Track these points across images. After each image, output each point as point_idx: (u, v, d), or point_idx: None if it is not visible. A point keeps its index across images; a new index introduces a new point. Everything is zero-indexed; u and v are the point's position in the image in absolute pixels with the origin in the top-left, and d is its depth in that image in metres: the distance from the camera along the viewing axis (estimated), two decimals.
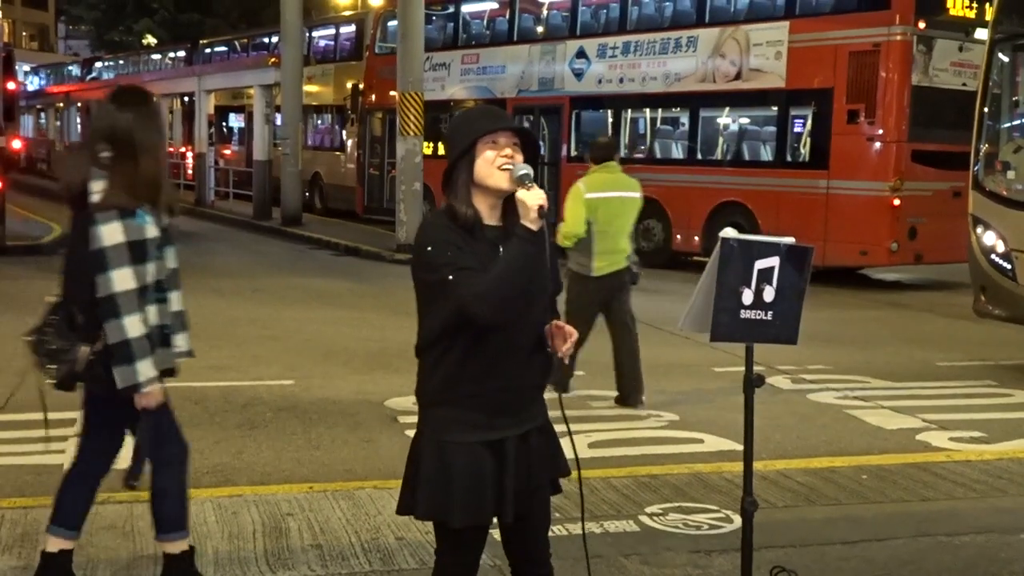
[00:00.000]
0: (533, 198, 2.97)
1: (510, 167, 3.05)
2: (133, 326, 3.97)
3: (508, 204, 3.12)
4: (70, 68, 52.70)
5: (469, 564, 3.24)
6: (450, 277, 2.97)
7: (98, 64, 49.57)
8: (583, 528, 3.65)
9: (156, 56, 45.24)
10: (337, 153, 26.77)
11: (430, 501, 3.11)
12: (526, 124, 19.57)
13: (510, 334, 3.06)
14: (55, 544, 4.30)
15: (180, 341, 4.34)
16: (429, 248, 3.04)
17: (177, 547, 4.30)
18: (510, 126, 3.13)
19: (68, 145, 41.85)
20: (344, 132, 26.45)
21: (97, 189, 3.99)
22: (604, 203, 7.75)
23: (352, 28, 27.38)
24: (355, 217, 24.22)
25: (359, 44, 26.10)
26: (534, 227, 2.96)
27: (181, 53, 40.94)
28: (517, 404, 3.14)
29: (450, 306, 3.00)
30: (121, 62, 47.37)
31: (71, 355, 4.21)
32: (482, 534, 3.20)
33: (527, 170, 3.04)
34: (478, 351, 3.06)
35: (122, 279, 3.94)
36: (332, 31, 28.78)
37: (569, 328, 3.12)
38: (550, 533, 3.35)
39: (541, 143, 19.49)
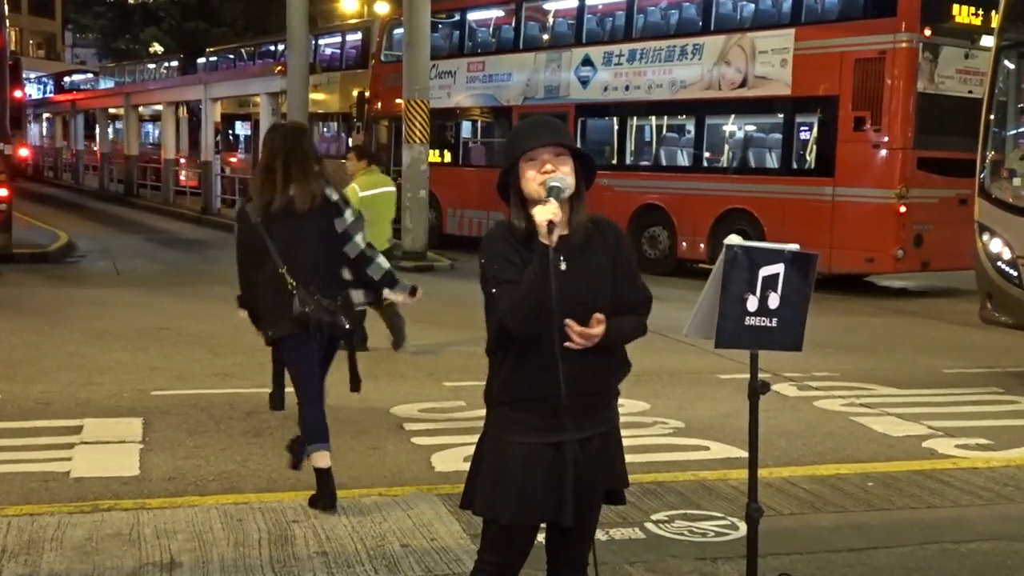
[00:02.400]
0: (541, 214, 3.04)
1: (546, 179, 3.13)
2: (384, 261, 5.63)
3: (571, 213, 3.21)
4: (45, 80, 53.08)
5: (510, 565, 3.29)
6: (493, 291, 3.13)
7: (76, 77, 50.26)
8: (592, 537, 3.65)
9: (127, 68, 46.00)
10: (343, 161, 26.73)
11: (486, 498, 3.21)
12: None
13: (551, 344, 3.09)
14: (323, 460, 5.47)
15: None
16: (483, 260, 3.20)
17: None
18: (548, 141, 3.17)
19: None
20: (350, 140, 26.48)
21: (330, 192, 5.46)
22: (372, 199, 9.35)
23: (358, 36, 27.44)
24: None
25: (365, 52, 26.16)
26: (545, 241, 3.03)
27: (175, 63, 41.45)
28: (578, 408, 3.16)
29: (497, 318, 3.14)
30: (90, 75, 48.44)
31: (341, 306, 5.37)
32: (529, 537, 3.26)
33: (557, 182, 3.11)
34: (531, 357, 3.14)
35: (363, 238, 5.53)
36: (338, 39, 28.85)
37: (597, 321, 3.10)
38: None
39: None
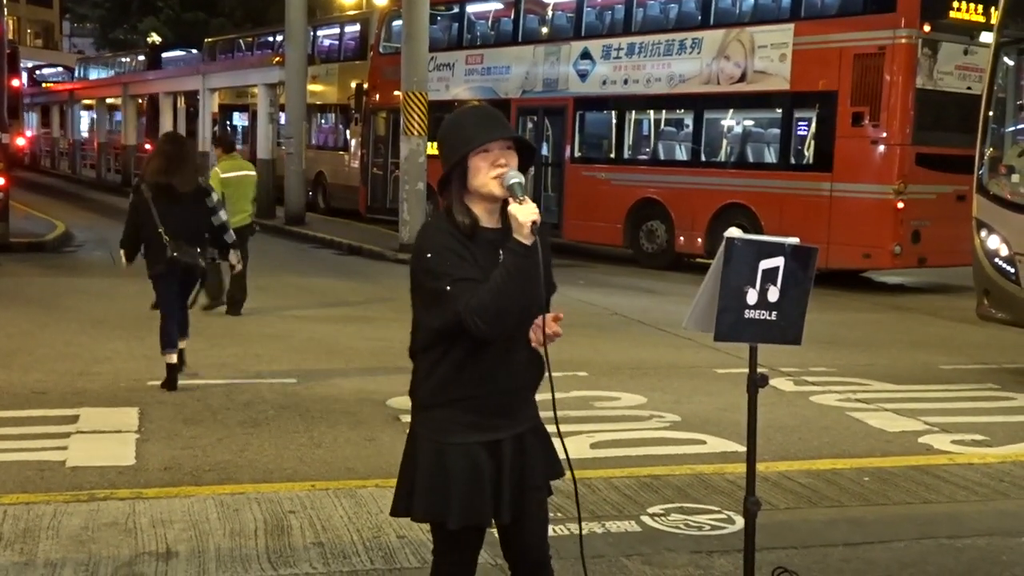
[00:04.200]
0: (525, 213, 2.95)
1: (503, 175, 3.05)
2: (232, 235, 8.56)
3: (507, 206, 3.11)
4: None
5: (466, 563, 3.24)
6: (448, 288, 2.99)
7: (46, 71, 51.63)
8: (579, 527, 3.64)
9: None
10: (341, 153, 26.78)
11: (428, 503, 3.12)
12: (530, 125, 19.59)
13: (507, 340, 3.06)
14: (171, 358, 7.89)
15: None
16: (429, 255, 3.05)
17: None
18: (502, 136, 3.10)
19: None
20: (348, 132, 26.49)
21: (202, 181, 8.21)
22: (233, 180, 10.98)
23: (356, 28, 27.40)
24: (358, 217, 24.24)
25: (363, 44, 26.14)
26: (527, 242, 2.94)
27: (141, 57, 42.74)
28: (513, 406, 3.15)
29: (448, 315, 3.00)
30: (60, 69, 49.65)
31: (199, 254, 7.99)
32: (479, 534, 3.21)
33: (518, 179, 3.03)
34: (475, 356, 3.06)
35: (224, 214, 8.41)
36: (336, 31, 28.80)
37: (551, 321, 3.03)
38: (551, 533, 3.34)
39: (544, 144, 19.53)
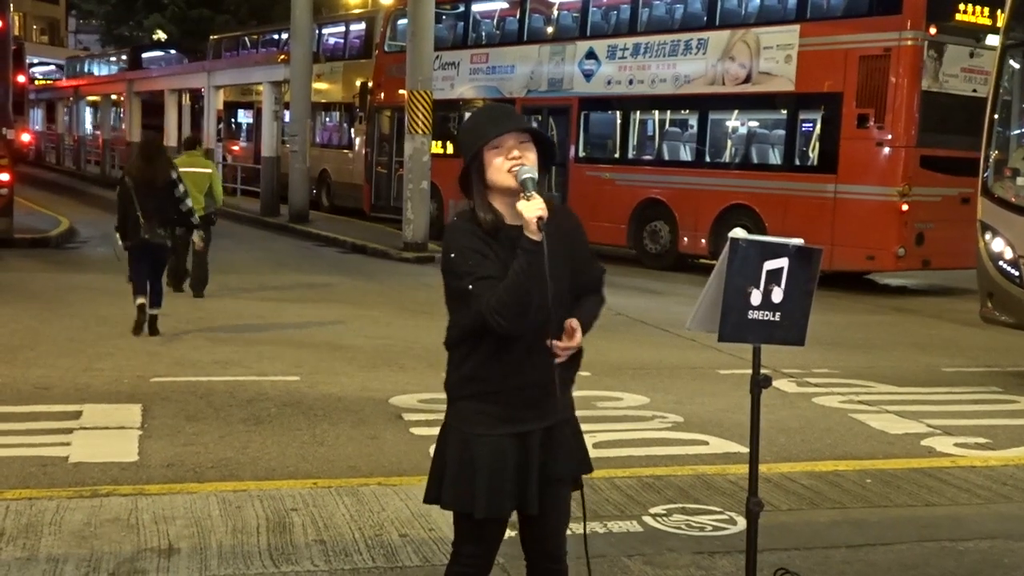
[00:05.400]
0: (530, 210, 2.98)
1: (517, 169, 3.07)
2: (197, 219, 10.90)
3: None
4: None
5: (486, 556, 3.27)
6: (470, 287, 3.04)
7: (38, 69, 52.81)
8: (584, 527, 3.64)
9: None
10: (345, 151, 26.81)
11: (455, 492, 3.17)
12: (534, 124, 19.56)
13: (534, 334, 3.08)
14: (141, 301, 10.02)
15: None
16: (452, 255, 3.10)
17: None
18: (513, 127, 3.12)
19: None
20: (352, 130, 26.51)
21: (173, 173, 10.30)
22: (186, 175, 11.49)
23: (362, 26, 27.42)
24: (362, 215, 24.25)
25: (368, 43, 26.15)
26: (535, 238, 2.97)
27: (124, 57, 43.70)
28: (542, 399, 3.16)
29: (472, 313, 3.07)
30: (52, 67, 50.78)
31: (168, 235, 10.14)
32: (501, 527, 3.24)
33: (530, 173, 3.05)
34: (502, 351, 3.11)
35: (191, 201, 10.62)
36: (342, 29, 28.82)
37: (572, 330, 3.09)
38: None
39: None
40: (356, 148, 26.02)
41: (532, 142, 3.15)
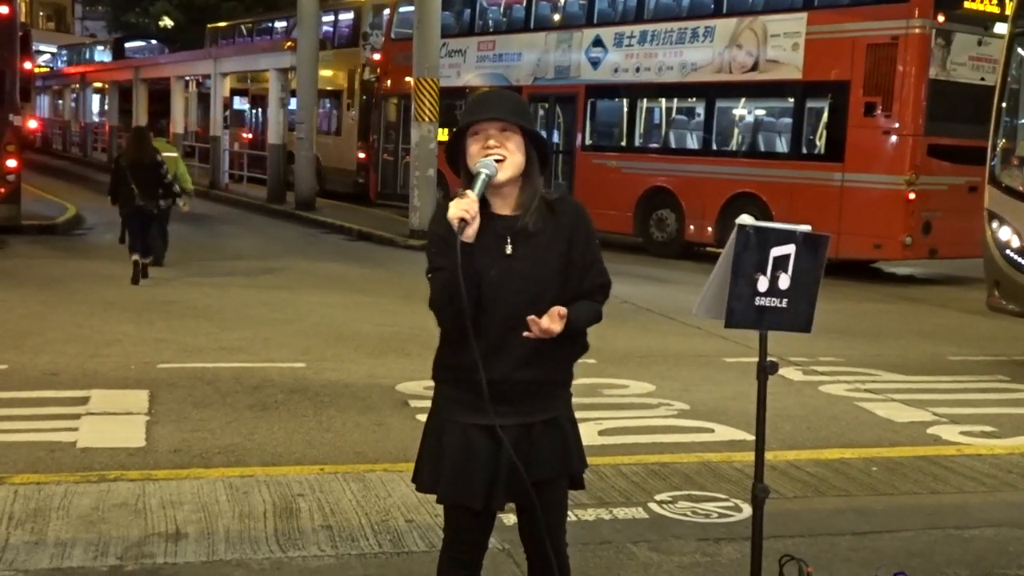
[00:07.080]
0: (453, 210, 2.92)
1: (495, 157, 3.00)
2: (179, 191, 13.91)
3: (521, 191, 3.09)
4: None
5: (468, 543, 3.22)
6: (428, 276, 3.03)
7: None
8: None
9: None
10: (335, 137, 27.22)
11: (428, 474, 3.16)
12: (541, 112, 19.54)
13: (503, 328, 3.01)
14: (135, 257, 12.39)
15: None
16: (427, 242, 3.10)
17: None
18: (489, 116, 3.03)
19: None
20: (341, 117, 26.90)
21: (156, 154, 13.04)
22: None
23: (350, 15, 27.65)
24: (352, 198, 24.35)
25: (356, 31, 26.83)
26: (464, 239, 2.90)
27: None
28: (517, 394, 3.07)
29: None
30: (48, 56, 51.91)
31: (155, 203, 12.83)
32: (473, 517, 3.15)
33: (487, 169, 2.97)
34: (468, 340, 2.98)
35: (172, 176, 13.46)
36: (331, 18, 28.96)
37: (549, 319, 2.96)
38: None
39: (555, 131, 19.48)
40: (343, 135, 26.68)
41: (518, 133, 3.05)
